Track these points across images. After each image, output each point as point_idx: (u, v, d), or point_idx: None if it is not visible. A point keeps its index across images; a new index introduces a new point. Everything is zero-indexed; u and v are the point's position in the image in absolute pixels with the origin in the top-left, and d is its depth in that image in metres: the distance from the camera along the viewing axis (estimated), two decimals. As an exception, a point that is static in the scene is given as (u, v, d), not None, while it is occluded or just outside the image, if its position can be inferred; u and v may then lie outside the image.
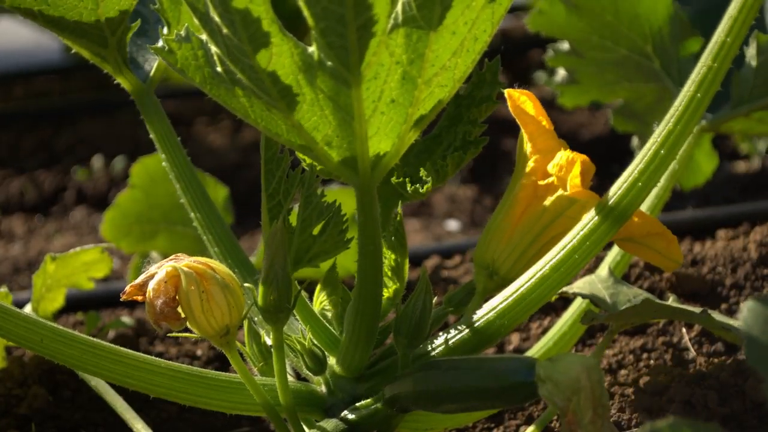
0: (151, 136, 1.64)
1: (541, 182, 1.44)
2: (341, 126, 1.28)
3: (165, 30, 1.68)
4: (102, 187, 3.19)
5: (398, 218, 1.48)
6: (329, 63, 1.22)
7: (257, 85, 1.26)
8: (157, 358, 1.43)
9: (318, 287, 1.51)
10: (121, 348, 1.42)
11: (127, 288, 1.31)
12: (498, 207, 1.48)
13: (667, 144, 1.37)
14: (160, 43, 1.28)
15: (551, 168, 1.43)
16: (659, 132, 1.38)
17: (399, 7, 1.19)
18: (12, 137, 3.54)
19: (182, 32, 1.27)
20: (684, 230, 2.13)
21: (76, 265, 1.85)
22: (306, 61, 1.23)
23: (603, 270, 1.61)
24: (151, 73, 1.71)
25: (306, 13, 1.20)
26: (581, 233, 1.38)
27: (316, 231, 1.45)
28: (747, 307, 1.14)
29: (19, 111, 3.58)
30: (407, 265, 1.49)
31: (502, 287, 1.45)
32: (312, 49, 1.22)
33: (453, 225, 2.73)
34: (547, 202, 1.44)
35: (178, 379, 1.42)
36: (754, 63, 1.77)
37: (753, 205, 2.17)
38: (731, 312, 1.83)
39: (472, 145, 1.49)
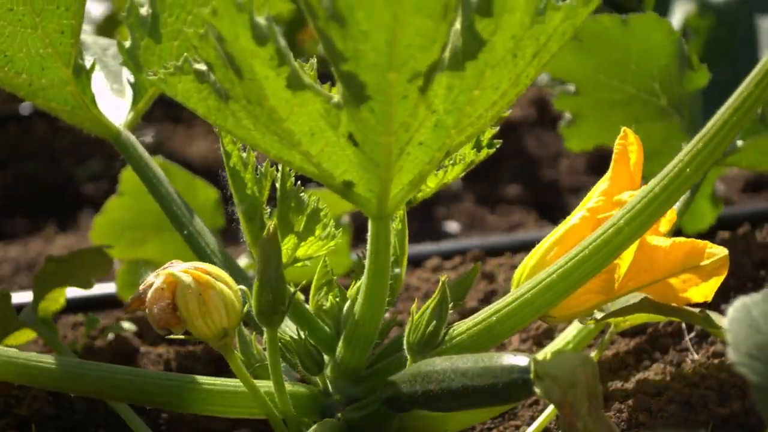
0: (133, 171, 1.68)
1: (600, 216, 1.44)
2: (363, 166, 1.26)
3: (132, 78, 1.71)
4: (103, 188, 3.19)
5: (402, 221, 1.48)
6: (358, 120, 1.20)
7: (273, 131, 1.24)
8: (148, 370, 1.43)
9: (313, 287, 1.50)
10: (108, 365, 1.43)
11: (129, 301, 1.33)
12: (552, 233, 1.48)
13: (694, 164, 1.36)
14: (159, 75, 1.26)
15: (616, 198, 1.43)
16: (686, 151, 1.37)
17: (446, 58, 1.16)
18: (12, 137, 3.54)
19: (179, 63, 1.24)
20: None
21: (77, 266, 1.85)
22: (329, 110, 1.20)
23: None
24: (126, 120, 1.73)
25: (340, 82, 1.17)
26: (594, 244, 1.37)
27: (299, 228, 1.45)
28: (731, 310, 1.15)
29: (19, 111, 3.58)
30: (405, 268, 1.49)
31: None
32: (337, 98, 1.19)
33: (453, 227, 2.73)
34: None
35: (171, 387, 1.43)
36: None
37: (753, 206, 2.17)
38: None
39: (484, 148, 1.46)
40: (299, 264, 1.50)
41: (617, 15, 1.88)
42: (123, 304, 2.12)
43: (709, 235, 2.10)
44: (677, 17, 2.82)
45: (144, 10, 1.76)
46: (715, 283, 1.42)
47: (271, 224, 1.31)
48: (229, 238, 2.55)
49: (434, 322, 1.37)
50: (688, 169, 1.37)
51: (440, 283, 1.36)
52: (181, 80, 1.24)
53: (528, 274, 1.46)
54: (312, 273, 1.51)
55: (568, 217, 1.48)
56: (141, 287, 1.32)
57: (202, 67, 1.23)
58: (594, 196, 1.47)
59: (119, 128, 1.70)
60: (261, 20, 1.15)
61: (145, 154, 1.68)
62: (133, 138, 1.70)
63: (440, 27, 1.12)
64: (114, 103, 1.81)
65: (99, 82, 1.81)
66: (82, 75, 1.68)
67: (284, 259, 1.47)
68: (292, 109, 1.20)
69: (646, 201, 1.38)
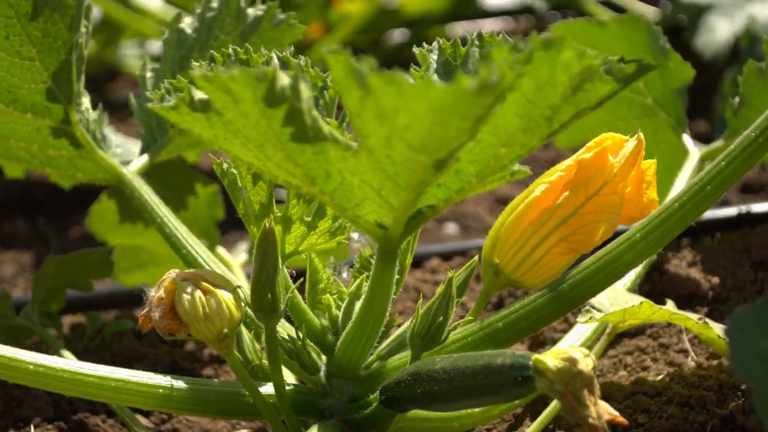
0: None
1: (564, 177, 1.42)
2: (377, 203, 1.24)
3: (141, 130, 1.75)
4: (104, 189, 3.19)
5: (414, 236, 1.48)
6: (379, 176, 1.17)
7: (285, 168, 1.21)
8: (147, 371, 1.44)
9: (307, 284, 1.50)
10: (108, 366, 1.44)
11: (140, 322, 1.36)
12: (509, 207, 1.47)
13: (715, 182, 1.37)
14: (166, 101, 1.24)
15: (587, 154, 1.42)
16: (708, 169, 1.38)
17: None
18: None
19: (182, 93, 1.20)
20: (683, 232, 2.12)
21: (77, 267, 1.85)
22: (348, 158, 1.16)
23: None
24: (136, 167, 1.78)
25: (364, 150, 1.14)
26: (607, 257, 1.38)
27: (306, 221, 1.45)
28: (731, 319, 1.15)
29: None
30: (408, 269, 1.50)
31: (507, 285, 1.45)
32: (357, 146, 1.14)
33: (451, 228, 2.73)
34: (562, 199, 1.42)
35: (171, 388, 1.43)
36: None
37: (753, 207, 2.16)
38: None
39: (508, 176, 1.39)
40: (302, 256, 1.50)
41: (594, 18, 1.90)
42: (122, 304, 2.12)
43: (709, 235, 2.10)
44: (723, 34, 2.83)
45: (150, 68, 1.81)
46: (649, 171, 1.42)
47: (267, 221, 1.32)
48: (230, 233, 2.56)
49: (440, 317, 1.37)
50: (708, 187, 1.36)
51: (447, 279, 1.37)
52: (185, 110, 1.21)
53: (497, 249, 1.44)
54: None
55: (524, 193, 1.45)
56: (146, 305, 1.35)
57: (206, 96, 1.18)
58: (560, 171, 1.44)
59: (122, 171, 1.73)
60: (284, 82, 1.09)
61: (147, 192, 1.70)
62: (136, 178, 1.73)
63: (479, 124, 1.11)
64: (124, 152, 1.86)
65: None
66: (87, 115, 1.70)
67: (291, 249, 1.47)
68: (309, 156, 1.17)
69: (664, 216, 1.37)
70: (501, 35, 1.37)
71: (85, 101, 1.72)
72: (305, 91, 1.11)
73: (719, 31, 2.91)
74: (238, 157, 1.26)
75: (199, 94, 1.19)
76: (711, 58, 2.90)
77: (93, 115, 1.75)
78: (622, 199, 1.41)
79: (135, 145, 1.91)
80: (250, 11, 1.79)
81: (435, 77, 1.37)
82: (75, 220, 2.96)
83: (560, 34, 1.10)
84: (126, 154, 1.86)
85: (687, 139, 1.93)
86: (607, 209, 1.41)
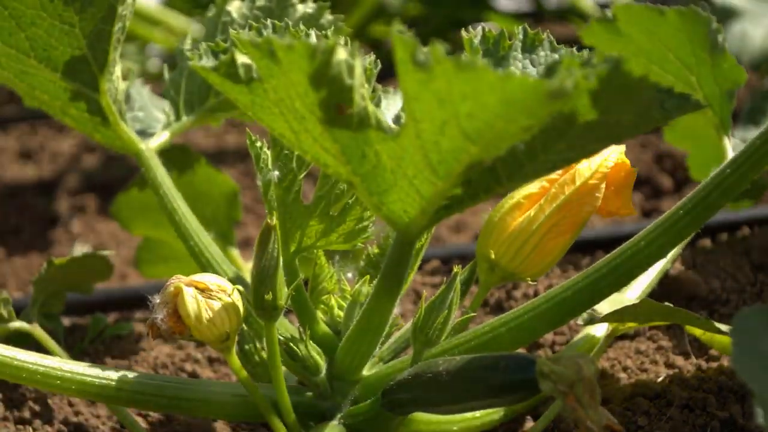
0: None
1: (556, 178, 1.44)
2: (406, 192, 1.22)
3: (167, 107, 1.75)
4: (106, 192, 3.20)
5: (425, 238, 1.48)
6: (418, 162, 1.15)
7: (320, 144, 1.20)
8: (147, 372, 1.44)
9: (310, 284, 1.50)
10: (107, 367, 1.45)
11: (148, 330, 1.37)
12: (501, 202, 1.47)
13: (720, 189, 1.38)
14: (204, 61, 1.22)
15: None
16: (713, 176, 1.38)
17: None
18: (13, 140, 3.54)
19: (225, 56, 1.18)
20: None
21: (78, 270, 1.85)
22: (387, 140, 1.14)
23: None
24: (158, 143, 1.76)
25: (408, 133, 1.12)
26: (613, 263, 1.38)
27: (334, 212, 1.44)
28: (735, 320, 1.15)
29: (28, 113, 3.57)
30: (415, 271, 1.50)
31: (504, 279, 1.45)
32: (398, 129, 1.13)
33: (451, 229, 2.73)
34: (555, 188, 1.43)
35: (170, 389, 1.44)
36: None
37: (753, 209, 2.17)
38: (731, 317, 1.82)
39: None
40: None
41: (656, 6, 1.86)
42: (123, 305, 2.12)
43: (709, 236, 2.10)
44: (758, 41, 2.82)
45: (189, 43, 1.81)
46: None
47: (269, 218, 1.32)
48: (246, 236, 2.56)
49: (444, 311, 1.37)
50: (714, 194, 1.37)
51: (452, 274, 1.37)
52: (225, 72, 1.19)
53: (490, 243, 1.45)
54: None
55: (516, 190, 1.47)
56: (151, 310, 1.37)
57: (248, 60, 1.17)
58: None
59: (140, 148, 1.72)
60: (341, 56, 1.08)
61: (162, 175, 1.69)
62: (153, 156, 1.72)
63: (537, 127, 1.11)
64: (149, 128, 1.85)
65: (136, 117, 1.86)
66: (117, 84, 1.70)
67: (309, 243, 1.46)
68: (349, 133, 1.16)
69: (669, 224, 1.37)
70: (546, 34, 1.39)
71: (117, 70, 1.71)
72: (359, 68, 1.10)
73: (755, 38, 2.89)
74: (271, 127, 1.24)
75: (242, 58, 1.17)
76: (748, 64, 2.88)
77: (122, 85, 1.73)
78: (604, 183, 1.43)
79: (159, 112, 1.88)
80: (300, 7, 1.77)
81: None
82: (76, 222, 2.97)
83: (623, 55, 1.09)
84: (147, 121, 1.84)
85: (727, 141, 1.92)
86: (593, 192, 1.42)
